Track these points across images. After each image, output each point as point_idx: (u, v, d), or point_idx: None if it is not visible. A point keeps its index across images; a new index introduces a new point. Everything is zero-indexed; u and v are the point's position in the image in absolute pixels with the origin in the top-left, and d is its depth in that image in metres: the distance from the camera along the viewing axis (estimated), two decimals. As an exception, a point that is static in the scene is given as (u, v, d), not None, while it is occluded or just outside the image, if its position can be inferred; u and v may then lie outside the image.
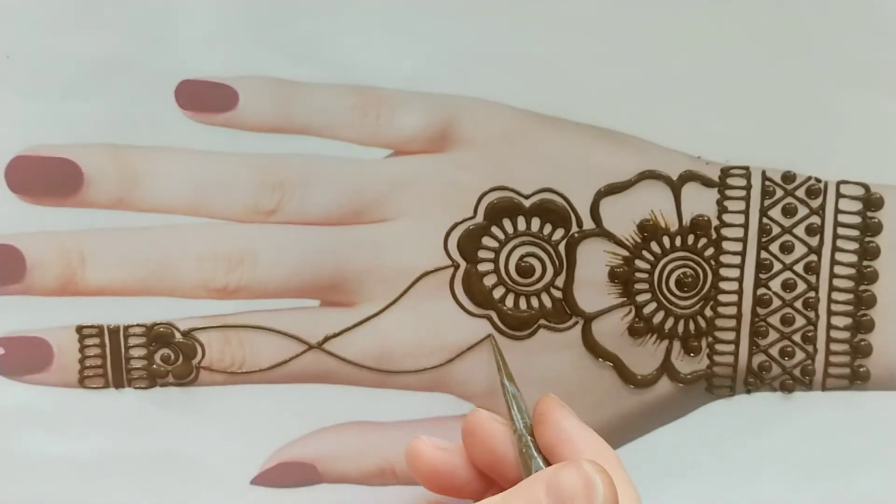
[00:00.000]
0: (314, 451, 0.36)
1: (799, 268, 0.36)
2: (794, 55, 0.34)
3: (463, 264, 0.35)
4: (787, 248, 0.36)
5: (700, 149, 0.35)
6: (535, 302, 0.36)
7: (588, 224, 0.35)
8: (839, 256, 0.36)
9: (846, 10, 0.34)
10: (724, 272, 0.36)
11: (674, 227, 0.36)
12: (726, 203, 0.36)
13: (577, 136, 0.35)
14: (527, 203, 0.35)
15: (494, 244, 0.36)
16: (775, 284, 0.36)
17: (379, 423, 0.37)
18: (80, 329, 0.35)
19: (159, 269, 0.35)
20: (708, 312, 0.36)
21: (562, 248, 0.36)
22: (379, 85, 0.34)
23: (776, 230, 0.36)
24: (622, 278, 0.36)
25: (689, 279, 0.36)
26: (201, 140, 0.34)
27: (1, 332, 0.35)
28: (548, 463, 0.30)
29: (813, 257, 0.36)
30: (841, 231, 0.36)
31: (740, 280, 0.36)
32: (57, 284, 0.35)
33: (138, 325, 0.35)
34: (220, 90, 0.34)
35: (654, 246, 0.36)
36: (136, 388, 0.36)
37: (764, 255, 0.36)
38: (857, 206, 0.36)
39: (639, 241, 0.36)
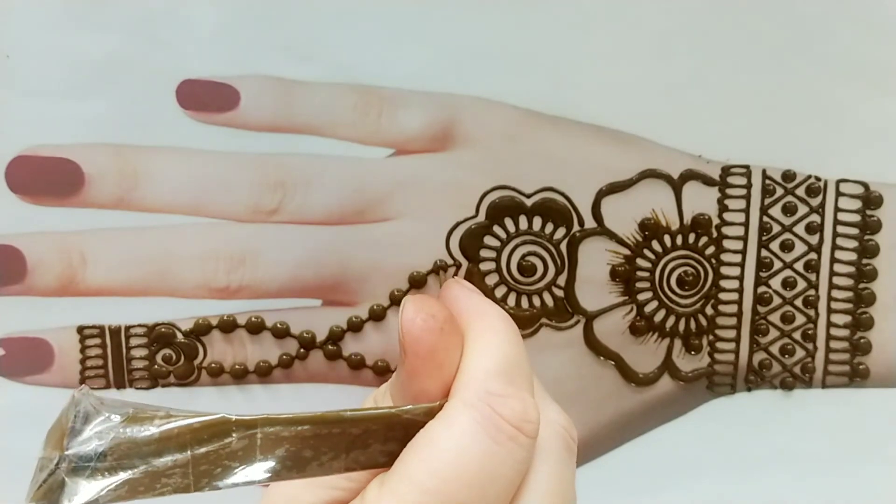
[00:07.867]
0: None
1: (799, 266, 0.36)
2: (794, 55, 0.35)
3: (465, 263, 0.35)
4: (787, 247, 0.36)
5: (701, 148, 0.35)
6: (536, 301, 0.36)
7: (589, 223, 0.36)
8: (839, 254, 0.36)
9: (846, 10, 0.34)
10: (724, 270, 0.36)
11: (675, 225, 0.36)
12: (727, 202, 0.36)
13: (578, 136, 0.35)
14: (528, 202, 0.35)
15: (496, 243, 0.36)
16: (776, 282, 0.36)
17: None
18: (80, 329, 0.35)
19: (160, 269, 0.35)
20: (709, 311, 0.36)
21: (563, 247, 0.36)
22: (380, 84, 0.34)
23: (776, 228, 0.36)
24: (623, 277, 0.36)
25: (690, 278, 0.36)
26: (202, 140, 0.34)
27: (1, 332, 0.35)
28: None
29: (813, 255, 0.36)
30: (841, 229, 0.36)
31: (741, 278, 0.36)
32: (58, 285, 0.34)
33: (140, 326, 0.35)
34: (222, 90, 0.34)
35: (656, 244, 0.36)
36: (137, 388, 0.36)
37: (764, 253, 0.36)
38: (857, 204, 0.36)
39: (640, 239, 0.36)
